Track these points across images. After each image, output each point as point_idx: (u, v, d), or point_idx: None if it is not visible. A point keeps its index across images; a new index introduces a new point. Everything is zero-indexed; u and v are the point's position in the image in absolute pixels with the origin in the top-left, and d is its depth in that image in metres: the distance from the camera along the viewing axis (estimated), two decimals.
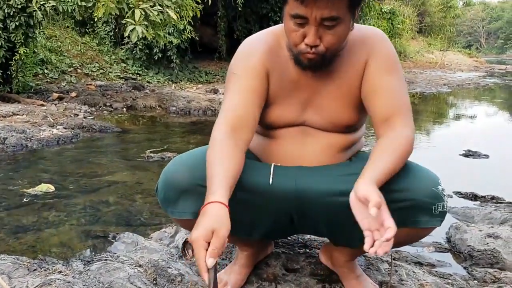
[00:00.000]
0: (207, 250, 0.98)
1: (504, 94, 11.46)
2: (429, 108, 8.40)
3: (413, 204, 1.17)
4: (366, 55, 1.26)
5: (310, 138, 1.31)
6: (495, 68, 21.19)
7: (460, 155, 4.14)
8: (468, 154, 4.13)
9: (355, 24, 1.26)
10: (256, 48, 1.29)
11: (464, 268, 1.87)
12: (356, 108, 1.30)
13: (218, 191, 1.06)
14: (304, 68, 1.22)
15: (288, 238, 1.82)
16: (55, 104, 6.28)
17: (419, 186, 1.18)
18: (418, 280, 1.57)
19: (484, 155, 4.11)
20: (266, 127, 1.35)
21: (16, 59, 6.25)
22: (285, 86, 1.29)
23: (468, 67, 20.64)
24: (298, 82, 1.28)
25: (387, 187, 1.12)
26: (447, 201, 1.22)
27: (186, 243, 1.77)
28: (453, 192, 2.94)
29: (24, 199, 2.69)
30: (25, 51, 6.34)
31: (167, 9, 5.68)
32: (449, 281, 1.65)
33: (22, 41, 6.17)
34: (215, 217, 1.01)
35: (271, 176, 1.25)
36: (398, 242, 1.24)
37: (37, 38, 7.13)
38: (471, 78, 14.73)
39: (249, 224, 1.31)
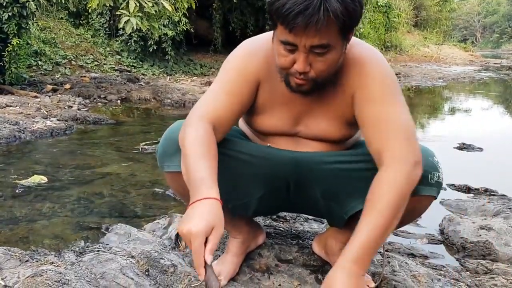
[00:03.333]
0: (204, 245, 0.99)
1: (498, 88, 11.50)
2: (424, 101, 8.41)
3: None
4: (354, 85, 1.22)
5: (302, 146, 1.33)
6: (490, 62, 21.23)
7: (454, 148, 4.15)
8: (462, 147, 4.14)
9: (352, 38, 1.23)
10: (254, 56, 1.28)
11: (457, 259, 1.88)
12: (347, 126, 1.29)
13: (215, 188, 1.07)
14: (293, 92, 1.21)
15: (281, 229, 1.82)
16: (49, 96, 6.24)
17: None
18: (410, 271, 1.58)
19: (478, 148, 4.13)
20: (260, 133, 1.37)
21: (9, 50, 6.19)
22: (277, 97, 1.29)
23: (463, 61, 20.67)
24: (290, 96, 1.26)
25: None
26: (442, 173, 1.24)
27: (179, 235, 1.77)
28: (446, 184, 2.94)
29: (17, 190, 2.67)
30: (18, 42, 6.29)
31: (162, 1, 5.65)
32: (442, 272, 1.66)
33: (15, 31, 6.12)
34: (216, 214, 1.03)
35: (269, 145, 1.32)
36: None
37: (30, 29, 7.07)
38: (466, 72, 14.76)
39: (245, 193, 1.32)
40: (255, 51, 1.29)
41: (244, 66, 1.27)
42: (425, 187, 1.22)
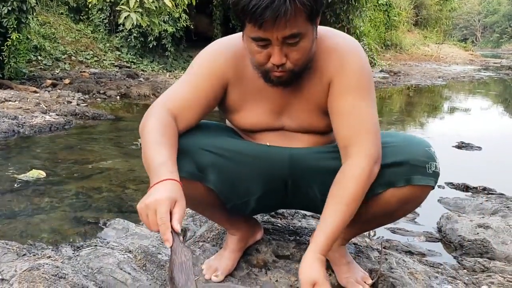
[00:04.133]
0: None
1: (498, 87, 11.50)
2: (423, 100, 8.41)
3: (407, 163, 1.22)
4: (332, 71, 1.23)
5: (291, 140, 1.33)
6: (490, 62, 21.23)
7: (453, 146, 4.16)
8: (461, 145, 4.15)
9: (329, 29, 1.26)
10: (221, 55, 1.28)
11: (454, 257, 1.88)
12: (328, 117, 1.29)
13: (175, 172, 1.10)
14: (274, 85, 1.21)
15: (279, 225, 1.82)
16: (48, 91, 6.23)
17: (412, 146, 1.24)
18: (408, 269, 1.58)
19: (477, 147, 4.13)
20: (245, 131, 1.37)
21: (8, 44, 6.18)
22: (251, 95, 1.29)
23: (463, 60, 20.67)
24: (267, 91, 1.27)
25: (383, 150, 1.22)
26: (439, 163, 1.25)
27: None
28: (445, 183, 2.95)
29: (15, 185, 2.67)
30: (18, 36, 6.28)
31: None
32: (439, 270, 1.66)
33: (15, 26, 6.11)
34: (177, 191, 1.05)
35: (268, 144, 1.32)
36: (394, 209, 1.30)
37: (30, 24, 7.06)
38: (466, 71, 14.76)
39: (243, 192, 1.32)
40: (223, 50, 1.29)
41: (211, 64, 1.27)
42: (423, 177, 1.22)
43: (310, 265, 1.16)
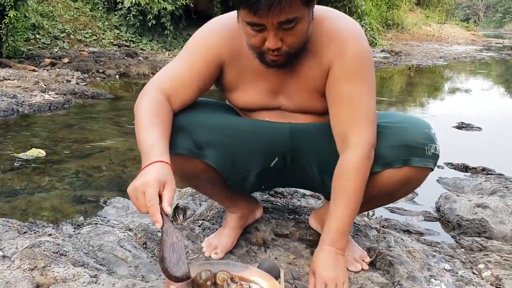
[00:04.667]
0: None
1: (499, 68, 11.43)
2: (424, 80, 8.37)
3: (406, 144, 1.23)
4: (332, 55, 1.21)
5: (289, 119, 1.33)
6: (492, 42, 21.06)
7: (453, 127, 4.15)
8: (461, 126, 4.14)
9: (329, 10, 1.24)
10: (217, 34, 1.26)
11: (452, 236, 1.90)
12: (325, 98, 1.29)
13: (165, 154, 1.09)
14: (269, 67, 1.21)
15: (278, 204, 1.83)
16: (47, 70, 6.19)
17: (412, 127, 1.25)
18: (406, 247, 1.59)
19: (477, 127, 4.13)
20: (243, 110, 1.37)
21: (6, 22, 6.11)
22: (248, 74, 1.28)
23: (465, 40, 20.50)
24: (263, 71, 1.25)
25: (383, 131, 1.24)
26: (439, 145, 1.26)
27: (177, 208, 1.78)
28: (444, 163, 2.95)
29: (15, 164, 2.68)
30: (15, 14, 6.20)
31: None
32: (437, 248, 1.67)
33: (12, 3, 6.03)
34: (167, 173, 1.05)
35: (267, 119, 1.33)
36: (393, 190, 1.31)
37: (27, 2, 6.97)
38: (468, 52, 14.65)
39: (243, 168, 1.33)
40: (219, 29, 1.27)
41: (206, 43, 1.26)
42: (422, 159, 1.23)
43: (316, 256, 1.22)
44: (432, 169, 1.27)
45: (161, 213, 1.00)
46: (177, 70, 1.26)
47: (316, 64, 1.23)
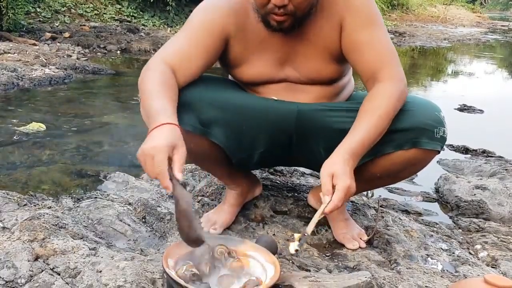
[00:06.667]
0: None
1: (504, 51, 11.32)
2: (428, 62, 8.30)
3: (417, 125, 1.22)
4: (341, 10, 1.22)
5: (296, 92, 1.32)
6: (498, 25, 20.81)
7: (455, 109, 4.13)
8: (463, 108, 4.12)
9: None
10: (221, 9, 1.25)
11: (450, 217, 1.90)
12: (336, 62, 1.29)
13: (173, 117, 1.07)
14: (275, 31, 1.19)
15: (277, 182, 1.84)
16: (48, 44, 6.13)
17: (423, 110, 1.24)
18: (403, 227, 1.60)
19: (479, 110, 4.11)
20: (247, 85, 1.35)
21: None
22: (254, 45, 1.26)
23: (470, 22, 20.25)
24: (270, 41, 1.24)
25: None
26: (447, 129, 1.27)
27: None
28: (445, 144, 2.94)
29: (15, 137, 2.68)
30: None
31: None
32: (434, 229, 1.68)
33: None
34: (176, 135, 1.03)
35: (276, 98, 1.31)
36: (398, 171, 1.31)
37: None
38: (472, 34, 14.49)
39: (248, 146, 1.32)
40: (222, 4, 1.26)
41: (209, 18, 1.24)
42: (430, 141, 1.23)
43: (333, 160, 1.14)
44: (439, 152, 1.27)
45: (171, 178, 1.00)
46: (182, 45, 1.24)
47: (325, 23, 1.23)
